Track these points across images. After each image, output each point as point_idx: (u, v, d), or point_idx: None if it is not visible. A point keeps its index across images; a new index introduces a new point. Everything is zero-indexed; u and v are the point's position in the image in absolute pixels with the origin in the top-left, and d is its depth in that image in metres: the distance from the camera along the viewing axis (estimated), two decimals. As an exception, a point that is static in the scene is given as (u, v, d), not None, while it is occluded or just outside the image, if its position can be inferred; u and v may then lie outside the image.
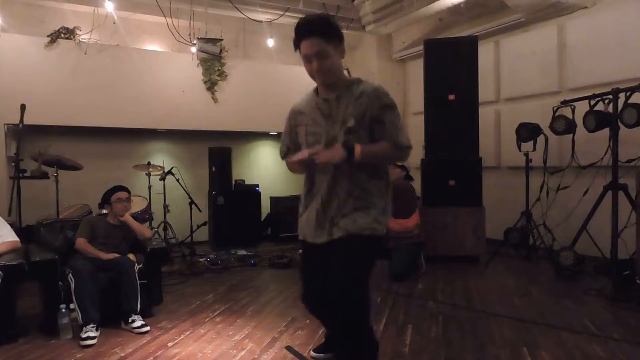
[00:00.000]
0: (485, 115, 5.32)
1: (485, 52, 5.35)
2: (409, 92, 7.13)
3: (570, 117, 4.21)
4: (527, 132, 4.63)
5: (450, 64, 4.88)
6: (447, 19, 6.19)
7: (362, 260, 1.97)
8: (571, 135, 4.24)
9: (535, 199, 4.65)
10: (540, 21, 5.13)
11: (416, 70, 6.40)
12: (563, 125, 4.23)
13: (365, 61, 7.22)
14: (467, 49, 4.87)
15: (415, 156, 6.15)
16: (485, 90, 5.26)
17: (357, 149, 1.82)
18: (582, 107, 4.06)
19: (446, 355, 2.58)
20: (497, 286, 3.99)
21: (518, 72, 5.36)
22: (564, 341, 2.71)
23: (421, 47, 5.42)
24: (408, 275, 4.22)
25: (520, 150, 4.71)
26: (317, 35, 1.84)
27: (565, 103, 4.30)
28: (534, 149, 4.64)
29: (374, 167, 1.97)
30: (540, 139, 4.61)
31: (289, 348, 2.70)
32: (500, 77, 5.62)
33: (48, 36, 4.92)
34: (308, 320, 3.16)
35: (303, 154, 1.86)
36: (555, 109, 4.37)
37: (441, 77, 4.91)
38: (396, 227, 4.38)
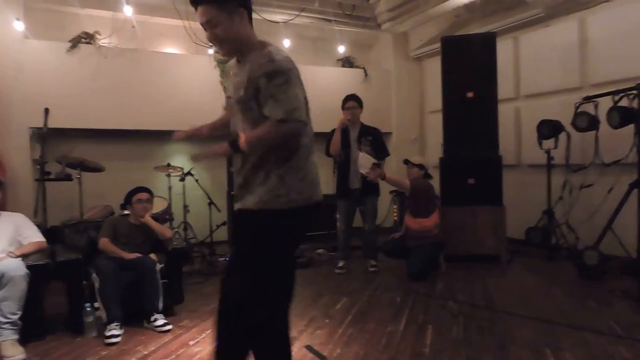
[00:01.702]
0: (505, 112, 5.24)
1: (503, 49, 5.28)
2: (426, 91, 7.08)
3: (593, 113, 4.12)
4: (549, 129, 4.55)
5: (468, 61, 4.83)
6: (464, 16, 6.11)
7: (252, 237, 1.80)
8: (594, 132, 4.15)
9: (558, 197, 4.57)
10: (561, 16, 5.03)
11: (433, 68, 6.34)
12: (586, 122, 4.14)
13: (381, 60, 7.19)
14: (485, 46, 4.82)
15: (434, 155, 6.12)
16: (504, 87, 5.19)
17: (241, 140, 1.69)
18: (605, 103, 3.97)
19: (467, 355, 2.55)
20: (518, 286, 3.93)
21: (538, 68, 5.27)
22: (588, 343, 2.66)
23: (438, 45, 5.37)
24: (426, 275, 4.19)
25: (541, 147, 4.63)
26: (206, 3, 1.71)
27: (587, 99, 4.21)
28: (556, 147, 4.56)
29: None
30: (562, 136, 4.52)
31: (308, 347, 2.71)
32: (519, 74, 5.53)
33: (69, 41, 5.02)
34: (327, 320, 3.18)
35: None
36: (577, 105, 4.29)
37: (459, 74, 4.86)
38: (415, 227, 4.36)
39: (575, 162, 4.54)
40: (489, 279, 4.13)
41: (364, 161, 4.19)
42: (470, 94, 4.81)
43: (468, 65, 4.83)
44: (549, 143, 4.59)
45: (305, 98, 1.82)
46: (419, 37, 6.86)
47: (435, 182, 4.73)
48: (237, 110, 1.83)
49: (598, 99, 4.11)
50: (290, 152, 1.77)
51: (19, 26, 4.66)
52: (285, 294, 1.96)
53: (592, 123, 4.12)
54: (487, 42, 4.84)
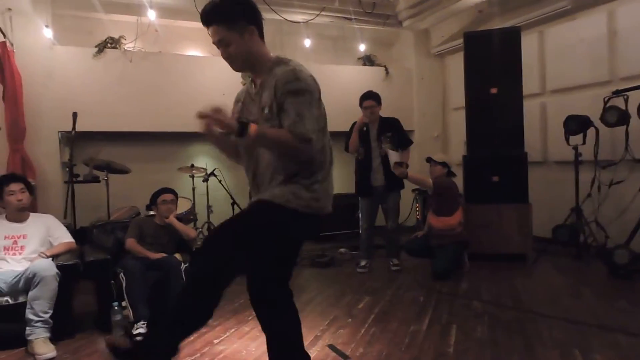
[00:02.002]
0: (530, 108, 5.13)
1: (528, 43, 5.17)
2: (449, 88, 6.99)
3: (623, 107, 4.00)
4: (576, 124, 4.43)
5: (492, 57, 4.75)
6: (487, 11, 6.01)
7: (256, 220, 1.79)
8: (624, 126, 4.03)
9: (586, 194, 4.45)
10: (588, 8, 4.89)
11: (455, 65, 6.26)
12: (615, 117, 4.02)
13: (402, 58, 7.14)
14: (509, 41, 4.73)
15: (457, 152, 6.04)
16: (529, 83, 5.08)
17: (252, 128, 1.65)
18: (635, 97, 3.85)
19: (492, 356, 2.51)
20: (545, 286, 3.85)
21: (565, 62, 5.13)
22: (619, 344, 2.58)
23: (460, 41, 5.30)
24: (450, 274, 4.14)
25: (568, 144, 4.51)
26: (216, 24, 1.75)
27: (617, 93, 4.09)
28: (584, 142, 4.44)
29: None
30: (591, 132, 4.40)
31: (331, 346, 2.71)
32: (545, 69, 5.40)
33: (96, 46, 5.16)
34: (350, 319, 3.17)
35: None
36: (606, 99, 4.16)
37: (482, 70, 4.79)
38: (439, 225, 4.31)
39: (605, 158, 4.42)
40: (515, 278, 4.05)
41: (392, 157, 4.17)
42: (494, 90, 4.73)
43: (491, 61, 4.75)
44: (576, 139, 4.47)
45: (325, 116, 1.85)
46: (440, 33, 6.78)
47: (459, 180, 4.67)
48: None
49: (628, 93, 3.98)
50: (318, 168, 1.81)
51: (48, 33, 4.80)
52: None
53: (622, 118, 4.00)
54: (512, 37, 4.75)
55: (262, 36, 1.86)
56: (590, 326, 2.87)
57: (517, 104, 4.70)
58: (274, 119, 1.75)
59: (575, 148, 4.48)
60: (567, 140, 4.52)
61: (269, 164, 1.81)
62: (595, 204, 4.39)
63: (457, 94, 5.97)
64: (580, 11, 4.98)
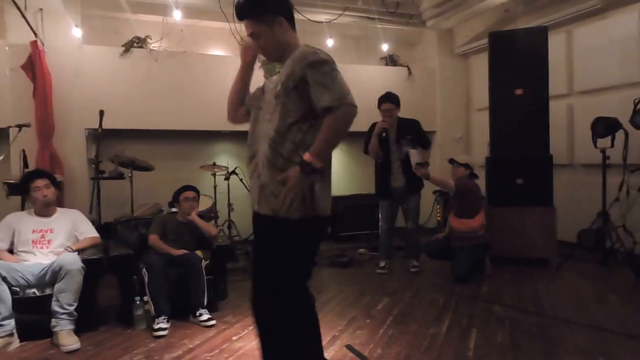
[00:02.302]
0: (557, 109, 5.02)
1: (556, 43, 5.05)
2: (472, 88, 6.89)
3: (654, 109, 3.87)
4: (604, 127, 4.31)
5: (518, 57, 4.66)
6: (513, 10, 5.90)
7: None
8: (655, 129, 3.90)
9: (614, 199, 4.32)
10: (619, 7, 4.76)
11: (480, 65, 6.17)
12: (646, 119, 3.90)
13: (425, 57, 7.07)
14: (536, 41, 4.63)
15: (480, 154, 5.95)
16: (556, 84, 4.97)
17: (307, 157, 1.68)
18: (667, 99, 3.72)
19: (513, 361, 2.47)
20: (569, 291, 3.76)
21: (593, 63, 5.00)
22: (646, 353, 2.51)
23: (485, 41, 5.22)
24: (471, 277, 4.08)
25: (596, 146, 4.40)
26: (246, 17, 1.84)
27: (648, 95, 3.96)
28: (612, 145, 4.31)
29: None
30: (619, 135, 4.27)
31: (349, 347, 2.71)
32: (573, 69, 5.28)
33: (122, 46, 5.27)
34: (368, 320, 3.16)
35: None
36: (636, 101, 4.04)
37: (507, 70, 4.71)
38: (460, 227, 4.25)
39: (634, 161, 4.28)
40: (538, 283, 3.97)
41: (413, 158, 4.14)
42: (519, 91, 4.65)
43: (517, 61, 4.66)
44: (604, 142, 4.35)
45: None
46: (465, 33, 6.69)
47: (481, 182, 4.60)
48: (267, 110, 1.87)
49: (660, 95, 3.85)
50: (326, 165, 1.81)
51: (77, 33, 4.92)
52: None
53: (653, 120, 3.87)
54: (538, 37, 4.65)
55: (293, 26, 1.90)
56: (616, 334, 2.79)
57: (543, 105, 4.61)
58: (285, 95, 1.77)
59: (603, 151, 4.36)
60: (595, 142, 4.40)
61: (264, 152, 1.82)
62: (624, 208, 4.27)
63: (481, 95, 5.89)
64: (610, 10, 4.84)
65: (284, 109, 1.79)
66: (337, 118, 1.67)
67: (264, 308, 1.91)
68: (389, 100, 4.31)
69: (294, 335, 1.86)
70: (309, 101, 1.73)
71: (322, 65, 1.71)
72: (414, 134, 4.30)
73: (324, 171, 1.80)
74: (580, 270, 4.36)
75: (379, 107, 4.36)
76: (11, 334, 2.77)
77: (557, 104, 5.10)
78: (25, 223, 3.18)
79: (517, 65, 4.67)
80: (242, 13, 1.85)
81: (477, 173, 4.52)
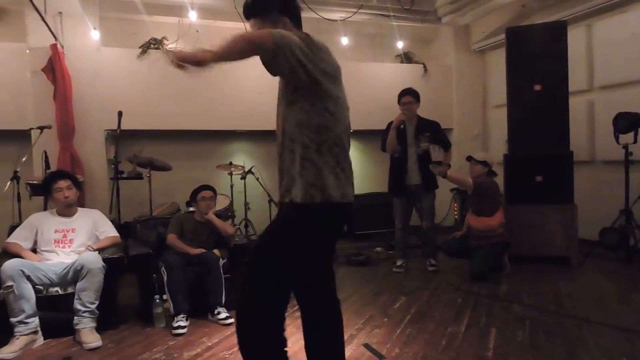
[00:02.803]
0: (576, 105, 4.92)
1: (575, 38, 4.96)
2: (489, 85, 6.81)
3: (679, 104, 3.77)
4: (627, 122, 4.22)
5: (536, 53, 4.59)
6: (530, 5, 5.81)
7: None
8: (680, 124, 3.80)
9: (637, 195, 4.23)
10: (641, -1, 4.65)
11: (497, 61, 6.09)
12: (669, 114, 3.80)
13: (441, 54, 7.01)
14: (554, 35, 4.55)
15: (498, 151, 5.87)
16: (575, 79, 4.88)
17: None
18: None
19: (534, 362, 2.44)
20: (591, 290, 3.69)
21: (614, 57, 4.90)
22: (672, 353, 2.45)
23: (502, 37, 5.15)
24: (489, 276, 4.03)
25: (618, 142, 4.30)
26: (252, 17, 1.89)
27: (672, 89, 3.86)
28: (635, 141, 4.21)
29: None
30: (642, 130, 4.18)
31: (366, 345, 2.70)
32: (593, 64, 5.18)
33: (140, 47, 5.34)
34: (386, 319, 3.15)
35: None
36: (659, 95, 3.94)
37: (525, 66, 4.64)
38: (478, 226, 4.21)
39: (658, 157, 4.19)
40: (559, 282, 3.90)
41: (434, 154, 4.10)
42: (537, 87, 4.57)
43: (535, 56, 4.59)
44: (627, 137, 4.26)
45: (343, 99, 1.85)
46: (481, 29, 6.61)
47: (500, 180, 4.54)
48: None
49: (685, 89, 3.75)
50: (330, 150, 1.77)
51: (95, 35, 5.00)
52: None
53: (678, 115, 3.77)
54: (557, 31, 4.56)
55: (298, 26, 1.91)
56: (640, 334, 2.73)
57: (563, 101, 4.53)
58: (285, 90, 1.82)
59: (626, 147, 4.27)
60: (617, 138, 4.31)
61: (284, 140, 1.81)
62: (647, 205, 4.17)
63: (498, 91, 5.81)
64: (631, 3, 4.73)
65: (284, 99, 1.84)
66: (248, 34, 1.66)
67: (240, 285, 1.87)
68: (409, 93, 4.33)
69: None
70: (288, 77, 1.74)
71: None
72: (434, 135, 4.27)
73: (321, 160, 1.75)
74: (602, 268, 4.28)
75: (398, 101, 4.37)
76: (35, 332, 2.84)
77: (577, 99, 5.01)
78: (47, 223, 3.25)
79: (536, 60, 4.59)
80: (248, 12, 1.90)
81: (496, 170, 4.47)
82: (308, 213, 1.74)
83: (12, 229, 3.32)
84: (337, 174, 1.78)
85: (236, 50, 1.67)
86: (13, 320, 2.77)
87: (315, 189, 1.73)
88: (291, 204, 1.75)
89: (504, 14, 6.21)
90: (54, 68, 4.58)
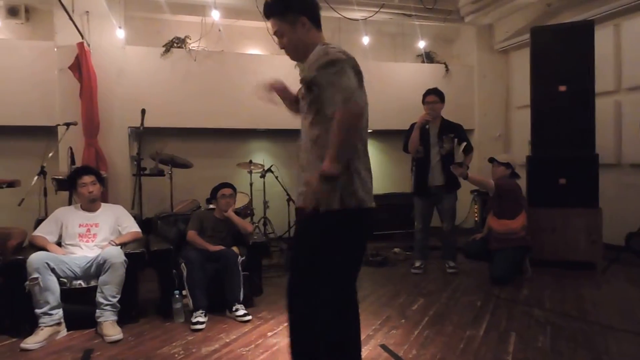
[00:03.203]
0: (603, 107, 4.80)
1: (602, 38, 4.84)
2: (513, 85, 6.70)
3: None
4: (655, 124, 4.10)
5: (561, 52, 4.50)
6: (556, 4, 5.69)
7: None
8: None
9: (665, 200, 4.11)
10: (673, -2, 4.51)
11: (521, 61, 5.99)
12: (701, 116, 3.68)
13: (463, 54, 6.92)
14: (581, 35, 4.45)
15: (520, 153, 5.77)
16: (602, 80, 4.76)
17: (324, 167, 1.69)
18: None
19: (555, 368, 2.39)
20: (616, 297, 3.60)
21: (644, 57, 4.76)
22: (701, 364, 2.37)
23: (526, 36, 5.07)
24: (510, 279, 3.97)
25: (646, 145, 4.19)
26: (271, 16, 1.90)
27: None
28: (664, 144, 4.10)
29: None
30: (672, 133, 4.05)
31: (383, 346, 2.69)
32: (621, 65, 5.04)
33: (163, 46, 5.42)
34: (403, 320, 3.13)
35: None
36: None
37: (550, 66, 4.55)
38: (500, 228, 4.15)
39: (688, 161, 4.06)
40: (582, 288, 3.81)
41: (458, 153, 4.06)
42: (562, 88, 4.48)
43: (561, 56, 4.50)
44: (655, 140, 4.14)
45: (364, 100, 1.84)
46: (505, 28, 6.50)
47: (522, 182, 4.46)
48: (302, 110, 1.93)
49: None
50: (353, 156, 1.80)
51: (120, 34, 5.09)
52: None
53: None
54: (584, 31, 4.46)
55: (317, 26, 1.92)
56: (667, 343, 2.65)
57: (589, 102, 4.43)
58: (307, 95, 1.84)
59: (654, 150, 4.15)
60: (645, 141, 4.20)
61: (306, 149, 1.86)
62: (676, 211, 4.05)
63: (522, 92, 5.71)
64: (663, 2, 4.60)
65: (307, 109, 1.86)
66: (344, 117, 1.67)
67: (290, 297, 1.97)
68: (433, 93, 4.32)
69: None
70: (322, 102, 1.77)
71: (333, 65, 1.72)
72: (457, 137, 4.23)
73: (352, 165, 1.79)
74: (628, 275, 4.16)
75: (423, 101, 4.36)
76: (59, 323, 2.91)
77: (604, 100, 4.89)
78: (72, 217, 3.33)
79: (561, 60, 4.50)
80: (268, 12, 1.92)
81: (518, 172, 4.39)
82: (347, 219, 1.78)
83: (39, 222, 3.41)
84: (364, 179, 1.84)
85: (349, 145, 1.74)
86: (38, 311, 2.84)
87: (349, 194, 1.77)
88: (329, 212, 1.76)
89: (528, 14, 6.10)
90: (80, 66, 4.68)
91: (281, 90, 2.08)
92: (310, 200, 1.73)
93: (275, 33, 1.93)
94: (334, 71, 1.71)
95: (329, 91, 1.73)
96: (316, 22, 1.92)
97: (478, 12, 6.03)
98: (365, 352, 2.60)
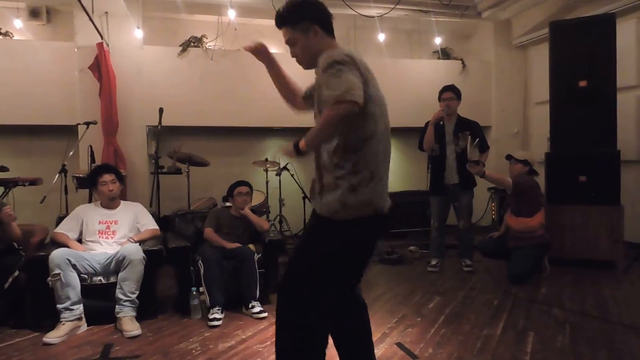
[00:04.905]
0: (625, 102, 4.70)
1: (624, 31, 4.73)
2: (531, 80, 6.59)
3: None
4: (680, 120, 3.99)
5: (581, 47, 4.41)
6: (577, -3, 5.58)
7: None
8: None
9: (690, 198, 4.01)
10: (699, -10, 4.38)
11: (539, 56, 5.89)
12: None
13: (480, 50, 6.83)
14: (602, 29, 4.36)
15: (539, 150, 5.68)
16: (624, 75, 4.65)
17: (301, 142, 1.69)
18: None
19: (574, 368, 2.35)
20: (638, 296, 3.52)
21: (668, 51, 4.64)
22: None
23: (545, 31, 4.97)
24: (528, 278, 3.92)
25: (669, 141, 4.08)
26: (283, 25, 1.90)
27: None
28: (689, 140, 3.99)
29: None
30: (697, 128, 3.94)
31: (399, 345, 2.68)
32: (644, 59, 4.92)
33: (180, 45, 5.48)
34: (419, 319, 3.12)
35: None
36: None
37: (570, 61, 4.46)
38: (518, 226, 4.09)
39: None
40: (603, 287, 3.74)
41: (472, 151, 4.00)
42: (583, 83, 4.39)
43: (581, 51, 4.41)
44: (680, 136, 4.03)
45: (379, 96, 1.82)
46: (523, 23, 6.40)
47: (541, 180, 4.39)
48: (316, 116, 1.93)
49: None
50: (364, 164, 1.77)
51: (139, 34, 5.16)
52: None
53: None
54: (605, 25, 4.36)
55: (329, 33, 1.91)
56: (692, 344, 2.59)
57: (610, 97, 4.33)
58: (315, 97, 1.86)
59: (679, 146, 4.05)
60: (669, 137, 4.09)
61: (317, 160, 1.89)
62: (702, 209, 3.94)
63: (541, 88, 5.62)
64: (688, -6, 4.47)
65: (316, 110, 1.87)
66: (330, 113, 1.63)
67: (280, 295, 2.00)
68: (450, 89, 4.29)
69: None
70: (323, 102, 1.74)
71: (331, 66, 1.67)
72: (473, 135, 4.17)
73: (375, 171, 1.78)
74: (650, 274, 4.08)
75: (439, 97, 4.33)
76: (80, 318, 2.97)
77: (625, 96, 4.78)
78: (92, 214, 3.39)
79: (581, 55, 4.41)
80: (280, 21, 1.93)
81: (536, 169, 4.32)
82: (359, 227, 1.78)
83: (60, 219, 3.49)
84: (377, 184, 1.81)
85: (326, 137, 1.75)
86: (59, 306, 2.91)
87: (366, 204, 1.76)
88: (345, 221, 1.76)
89: (547, 8, 5.99)
90: (99, 66, 4.77)
91: (259, 53, 2.14)
92: (285, 151, 1.79)
93: (287, 41, 1.92)
94: (330, 73, 1.68)
95: (323, 93, 1.70)
96: (328, 29, 1.91)
97: (496, 7, 5.95)
98: (380, 350, 2.60)
